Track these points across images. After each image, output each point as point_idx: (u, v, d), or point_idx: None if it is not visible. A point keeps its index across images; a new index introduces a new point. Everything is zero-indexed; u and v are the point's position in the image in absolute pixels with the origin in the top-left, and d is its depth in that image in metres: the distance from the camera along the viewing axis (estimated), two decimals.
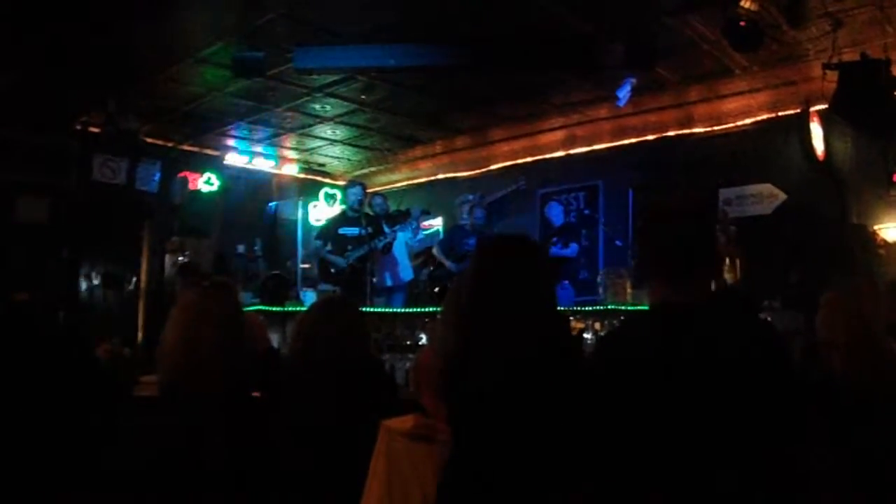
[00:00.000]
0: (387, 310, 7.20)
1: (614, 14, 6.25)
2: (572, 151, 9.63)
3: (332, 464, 3.01)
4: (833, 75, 6.09)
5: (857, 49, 6.23)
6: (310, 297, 7.93)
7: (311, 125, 9.66)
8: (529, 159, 10.06)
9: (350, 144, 10.59)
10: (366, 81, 7.90)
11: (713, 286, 2.12)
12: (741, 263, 6.29)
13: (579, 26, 6.48)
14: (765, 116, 7.92)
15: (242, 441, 2.71)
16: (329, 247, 7.85)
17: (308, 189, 11.58)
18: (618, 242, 8.70)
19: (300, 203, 11.33)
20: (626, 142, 9.08)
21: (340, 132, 10.00)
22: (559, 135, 9.65)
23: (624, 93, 7.24)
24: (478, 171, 10.61)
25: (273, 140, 10.33)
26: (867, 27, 6.38)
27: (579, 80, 7.88)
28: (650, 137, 8.84)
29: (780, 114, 7.72)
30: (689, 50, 6.96)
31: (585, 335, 6.08)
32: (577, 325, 6.26)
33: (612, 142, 9.22)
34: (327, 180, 11.86)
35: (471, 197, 9.00)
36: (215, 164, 10.21)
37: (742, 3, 5.48)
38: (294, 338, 3.55)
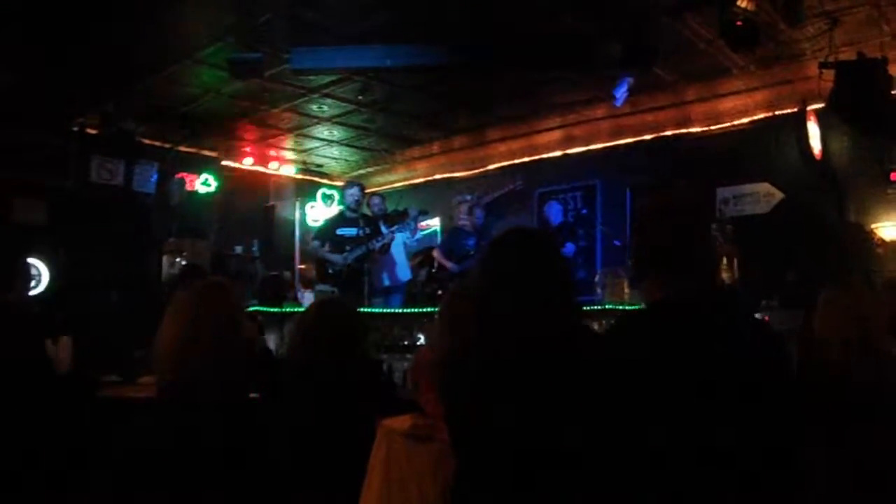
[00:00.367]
0: (385, 310, 7.20)
1: (612, 14, 6.25)
2: (569, 151, 9.63)
3: (331, 464, 3.01)
4: (830, 74, 6.09)
5: (853, 48, 6.24)
6: (308, 298, 7.94)
7: (308, 126, 9.66)
8: (527, 159, 10.06)
9: (347, 145, 10.59)
10: (363, 82, 7.90)
11: (709, 284, 2.11)
12: (738, 262, 6.29)
13: (577, 26, 6.48)
14: (762, 115, 7.92)
15: (240, 442, 2.71)
16: (327, 247, 7.85)
17: (305, 190, 11.59)
18: (616, 242, 8.70)
19: (298, 204, 11.36)
20: (623, 141, 9.08)
21: (338, 133, 9.99)
22: (556, 134, 9.66)
23: (621, 92, 7.25)
24: (475, 171, 10.61)
25: (270, 141, 10.33)
26: (864, 26, 6.39)
27: (576, 79, 7.88)
28: (647, 137, 8.85)
29: (777, 113, 7.72)
30: (686, 49, 6.97)
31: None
32: None
33: (609, 141, 9.22)
34: (325, 181, 11.86)
35: (468, 197, 9.00)
36: (213, 165, 10.20)
37: (739, 3, 5.47)
38: (292, 338, 3.55)
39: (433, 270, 8.43)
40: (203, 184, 9.99)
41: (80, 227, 8.08)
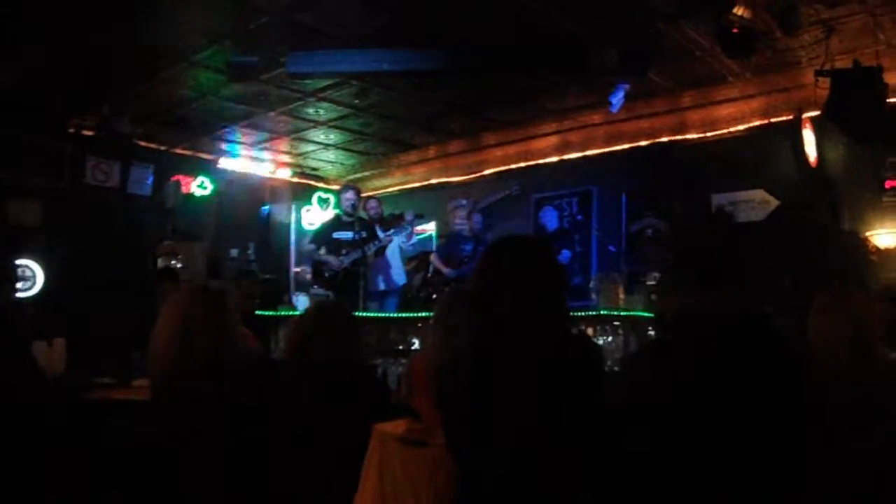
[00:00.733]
0: (380, 314, 7.19)
1: (608, 20, 6.26)
2: (566, 157, 9.64)
3: (325, 468, 3.00)
4: (826, 82, 6.11)
5: (849, 56, 6.27)
6: (303, 301, 7.92)
7: (304, 129, 9.65)
8: (523, 164, 10.07)
9: (343, 149, 10.59)
10: (359, 86, 7.91)
11: (745, 294, 2.15)
12: None
13: (574, 31, 6.49)
14: (757, 123, 7.94)
15: (234, 445, 2.70)
16: (323, 251, 7.85)
17: (301, 193, 11.58)
18: (611, 248, 8.72)
19: (294, 207, 11.35)
20: (619, 147, 9.09)
21: (334, 136, 10.00)
22: (553, 140, 9.67)
23: (617, 99, 7.26)
24: (471, 176, 10.62)
25: (266, 144, 10.32)
26: (860, 35, 6.41)
27: (573, 85, 7.90)
28: (643, 143, 8.86)
29: (772, 120, 7.75)
30: (682, 56, 6.99)
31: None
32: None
33: (605, 147, 9.23)
34: (321, 184, 11.85)
35: (464, 202, 9.00)
36: (209, 168, 10.19)
37: (735, 10, 5.49)
38: (288, 342, 3.54)
39: (429, 275, 8.44)
40: (199, 186, 9.98)
41: (75, 228, 8.07)
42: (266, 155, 10.83)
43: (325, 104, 8.62)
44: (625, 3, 6.04)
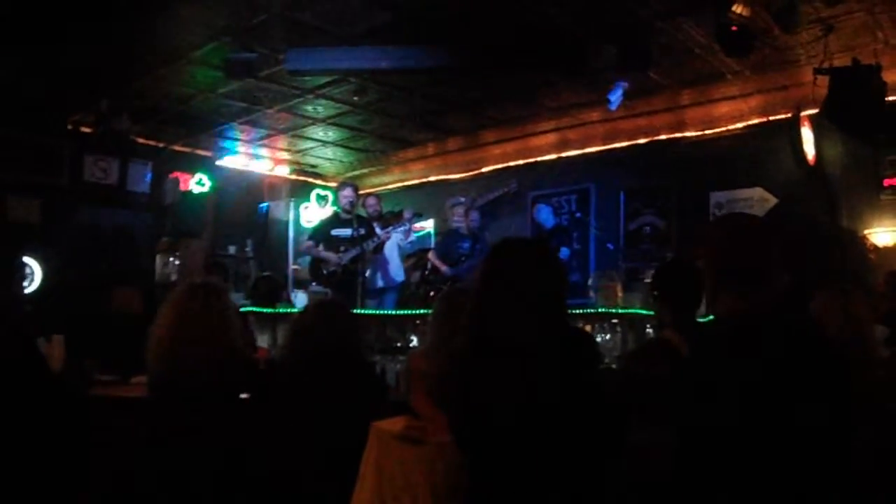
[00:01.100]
0: (378, 311, 7.19)
1: (607, 17, 6.26)
2: (564, 154, 9.65)
3: (323, 464, 3.01)
4: (824, 80, 6.11)
5: (848, 54, 6.26)
6: (301, 298, 7.92)
7: (303, 126, 9.64)
8: (521, 162, 10.08)
9: (342, 146, 10.58)
10: (358, 83, 7.90)
11: (781, 298, 2.18)
12: None
13: (572, 29, 6.49)
14: (756, 121, 7.95)
15: (231, 441, 2.71)
16: (321, 248, 7.84)
17: (300, 190, 11.58)
18: (609, 245, 8.72)
19: (292, 204, 11.34)
20: (617, 145, 9.10)
21: (332, 133, 9.99)
22: (551, 137, 9.67)
23: (616, 97, 7.26)
24: (470, 174, 10.63)
25: (265, 141, 10.32)
26: (858, 33, 6.40)
27: (571, 83, 7.89)
28: (642, 141, 8.87)
29: (771, 118, 7.75)
30: (680, 54, 6.98)
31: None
32: None
33: (603, 145, 9.24)
34: (319, 181, 11.85)
35: (462, 199, 9.01)
36: (207, 165, 10.18)
37: (734, 8, 5.49)
38: (287, 339, 3.55)
39: (427, 273, 8.43)
40: (197, 184, 9.97)
41: (73, 225, 8.07)
42: (264, 152, 10.83)
43: (323, 101, 8.61)
44: (623, 0, 6.04)
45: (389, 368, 5.40)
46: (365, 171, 11.59)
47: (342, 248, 7.70)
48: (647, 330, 6.01)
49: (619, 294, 6.66)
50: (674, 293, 3.28)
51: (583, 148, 9.44)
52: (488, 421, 2.18)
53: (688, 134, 8.50)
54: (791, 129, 7.02)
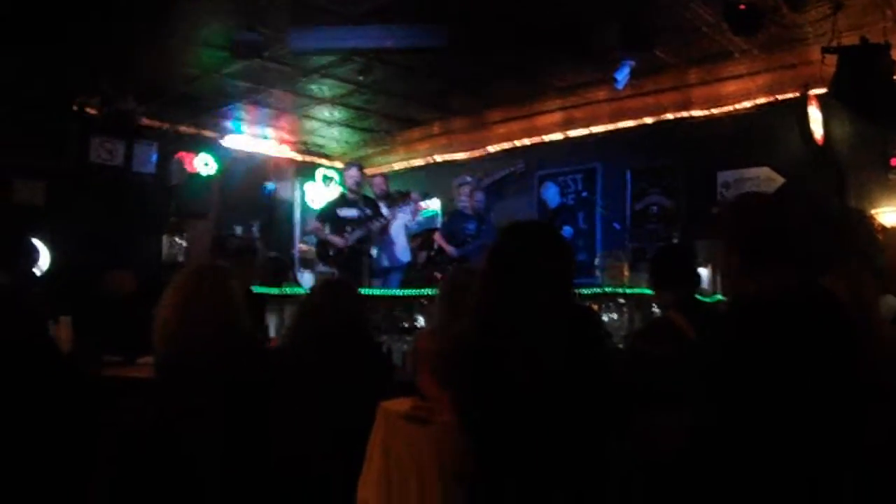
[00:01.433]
0: (385, 291, 7.20)
1: None
2: (570, 133, 9.60)
3: (330, 445, 3.03)
4: (832, 59, 6.06)
5: (856, 33, 6.20)
6: (308, 279, 7.95)
7: (307, 106, 9.62)
8: (527, 141, 10.04)
9: (347, 126, 10.56)
10: (363, 63, 7.86)
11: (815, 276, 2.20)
12: None
13: (577, 7, 6.45)
14: (764, 100, 7.89)
15: (238, 423, 2.72)
16: (327, 229, 7.85)
17: (305, 170, 11.57)
18: (615, 225, 8.70)
19: (297, 184, 11.34)
20: (624, 124, 9.05)
21: (338, 113, 9.96)
22: (557, 116, 9.62)
23: (622, 75, 7.22)
24: (475, 153, 10.59)
25: (270, 121, 10.30)
26: (867, 11, 6.35)
27: (577, 61, 7.85)
28: (648, 120, 8.82)
29: (779, 97, 7.70)
30: (688, 32, 6.93)
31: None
32: None
33: (610, 124, 9.18)
34: (324, 161, 11.83)
35: (468, 179, 9.00)
36: (212, 146, 10.17)
37: None
38: (294, 320, 3.56)
39: (432, 253, 8.44)
40: (203, 164, 9.96)
41: (79, 207, 8.08)
42: (270, 132, 10.80)
43: (328, 81, 8.58)
44: None
45: (396, 348, 5.42)
46: (370, 150, 11.57)
47: (348, 229, 7.71)
48: (654, 309, 6.00)
49: (626, 274, 6.67)
50: (673, 276, 3.33)
51: (589, 127, 9.39)
52: (494, 402, 2.18)
53: (695, 113, 8.45)
54: (799, 109, 6.98)
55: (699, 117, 8.42)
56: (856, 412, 1.96)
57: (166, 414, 2.69)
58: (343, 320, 3.29)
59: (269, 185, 10.76)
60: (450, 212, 9.28)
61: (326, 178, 11.56)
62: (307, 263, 9.42)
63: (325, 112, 9.88)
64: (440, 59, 7.85)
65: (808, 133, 6.97)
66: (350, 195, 7.97)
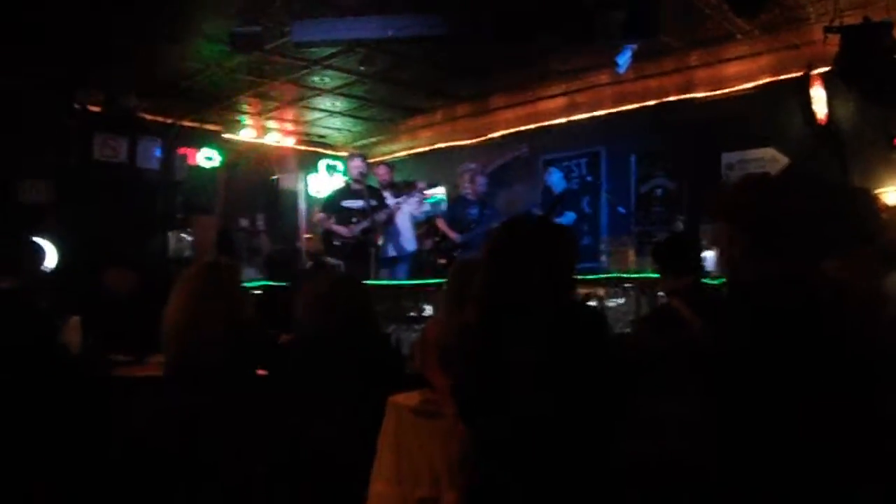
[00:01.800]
0: (391, 282, 7.22)
1: None
2: (574, 118, 9.58)
3: (341, 441, 3.04)
4: (835, 38, 6.03)
5: (858, 12, 6.17)
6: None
7: (310, 97, 9.63)
8: (531, 126, 10.02)
9: (350, 115, 10.57)
10: (364, 53, 7.86)
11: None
12: None
13: None
14: (767, 80, 7.86)
15: (249, 419, 2.74)
16: (333, 220, 7.86)
17: (309, 161, 11.58)
18: (620, 209, 8.70)
19: (302, 175, 11.35)
20: (627, 107, 9.03)
21: (340, 104, 9.97)
22: (560, 101, 9.61)
23: (624, 59, 7.19)
24: (479, 139, 10.58)
25: (273, 113, 10.30)
26: None
27: (580, 47, 7.82)
28: (651, 103, 8.80)
29: (781, 77, 7.67)
30: (690, 14, 6.92)
31: (589, 303, 6.10)
32: (580, 291, 6.27)
33: (613, 108, 9.17)
34: (328, 151, 11.84)
35: (472, 166, 8.98)
36: (215, 140, 10.18)
37: None
38: (302, 314, 3.57)
39: (438, 240, 8.44)
40: (206, 158, 9.97)
41: (84, 205, 8.09)
42: (273, 124, 10.82)
43: (330, 72, 8.59)
44: None
45: (404, 338, 5.44)
46: (374, 139, 11.57)
47: (354, 220, 7.72)
48: (660, 293, 6.01)
49: (632, 258, 6.67)
50: (677, 264, 3.35)
51: (592, 111, 9.37)
52: (495, 391, 2.20)
53: (698, 95, 8.43)
54: (801, 89, 6.95)
55: (702, 99, 8.40)
56: (853, 406, 1.96)
57: (178, 411, 2.71)
58: (350, 317, 3.30)
59: (274, 177, 10.78)
60: (453, 197, 9.28)
61: (330, 168, 11.57)
62: (313, 255, 9.43)
63: (327, 102, 9.89)
64: (441, 48, 7.84)
65: (811, 113, 6.95)
66: (354, 185, 7.97)
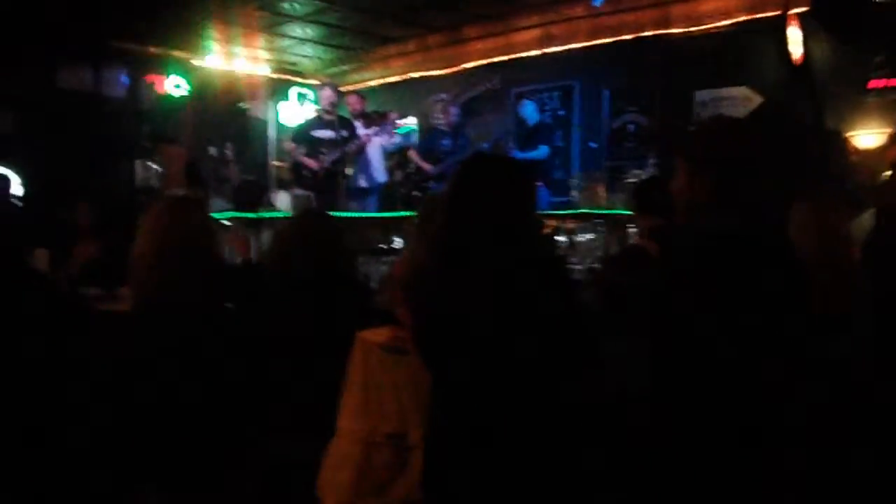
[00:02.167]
0: (361, 215, 7.20)
1: None
2: (548, 50, 9.47)
3: (309, 374, 3.06)
4: None
5: None
6: (283, 199, 7.88)
7: (280, 24, 9.41)
8: (504, 58, 9.88)
9: (321, 43, 10.36)
10: None
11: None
12: None
13: None
14: (743, 18, 7.77)
15: (216, 350, 2.74)
16: (303, 150, 7.77)
17: (279, 89, 11.39)
18: (591, 144, 8.68)
19: (271, 104, 11.17)
20: (602, 41, 8.92)
21: (311, 31, 9.76)
22: (534, 33, 9.47)
23: None
24: (451, 70, 10.44)
25: (242, 40, 10.07)
26: None
27: None
28: (627, 37, 8.70)
29: (758, 15, 7.60)
30: None
31: (558, 237, 6.13)
32: (549, 224, 6.28)
33: (588, 41, 9.06)
34: (299, 79, 11.64)
35: (444, 96, 8.91)
36: (183, 67, 9.94)
37: None
38: (269, 253, 3.56)
39: (410, 172, 8.39)
40: (175, 86, 9.75)
41: (49, 135, 7.92)
42: (242, 51, 10.58)
43: None
44: None
45: (373, 270, 5.45)
46: (345, 68, 11.38)
47: (324, 150, 7.64)
48: (631, 229, 6.03)
49: (603, 194, 6.68)
50: (651, 203, 3.37)
51: (567, 44, 9.25)
52: (454, 332, 2.20)
53: (673, 31, 8.33)
54: (778, 28, 6.91)
55: (678, 35, 8.31)
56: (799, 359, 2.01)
57: (147, 347, 2.71)
58: (318, 254, 3.29)
59: (243, 105, 10.59)
60: (426, 129, 9.20)
61: (301, 97, 11.39)
62: (283, 183, 9.34)
63: (297, 30, 9.67)
64: None
65: (786, 53, 6.92)
66: (325, 115, 7.87)
